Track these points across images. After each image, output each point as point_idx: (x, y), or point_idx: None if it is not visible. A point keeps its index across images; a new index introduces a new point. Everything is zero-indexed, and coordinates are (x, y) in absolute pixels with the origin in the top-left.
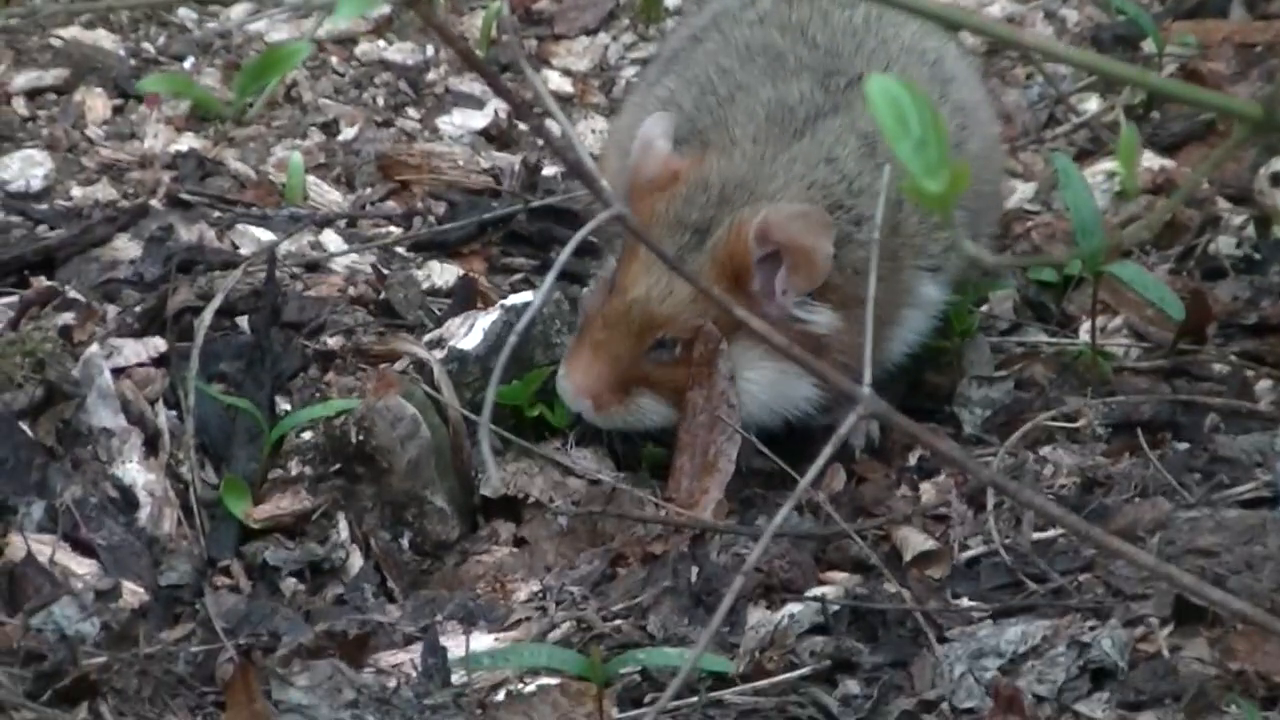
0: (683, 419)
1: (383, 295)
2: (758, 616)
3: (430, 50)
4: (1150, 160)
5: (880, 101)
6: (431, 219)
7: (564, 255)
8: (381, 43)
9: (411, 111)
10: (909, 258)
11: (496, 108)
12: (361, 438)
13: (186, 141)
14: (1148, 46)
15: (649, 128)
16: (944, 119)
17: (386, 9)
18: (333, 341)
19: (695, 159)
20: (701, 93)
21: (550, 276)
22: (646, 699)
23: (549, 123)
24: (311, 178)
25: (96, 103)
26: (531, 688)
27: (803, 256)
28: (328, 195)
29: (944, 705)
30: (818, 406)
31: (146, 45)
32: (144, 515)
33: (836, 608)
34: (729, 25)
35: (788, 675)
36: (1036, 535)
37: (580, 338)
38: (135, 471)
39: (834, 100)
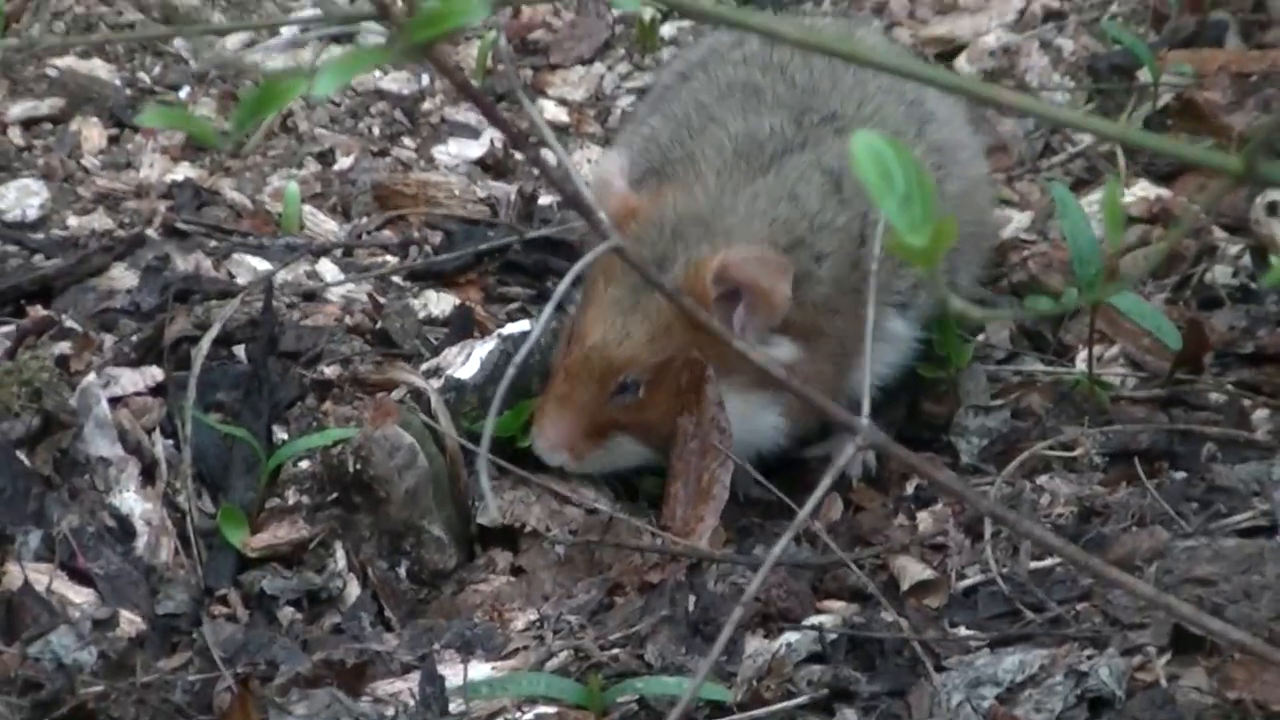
0: (674, 446)
1: (379, 324)
2: (755, 645)
3: (426, 80)
4: (1146, 189)
5: (864, 157)
6: (428, 248)
7: (562, 286)
8: (377, 72)
9: (407, 141)
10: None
11: (492, 137)
12: (359, 467)
13: (182, 171)
14: (1144, 76)
15: (604, 166)
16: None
17: (382, 38)
18: (330, 370)
19: (654, 196)
20: (678, 128)
21: (549, 306)
22: None
23: (545, 153)
24: (308, 207)
25: (92, 132)
26: (529, 716)
27: (761, 297)
28: (324, 225)
29: None
30: (787, 436)
31: (142, 75)
32: (141, 544)
33: (834, 637)
34: (715, 64)
35: (785, 704)
36: (1034, 564)
37: (547, 392)
38: (132, 500)
39: (804, 136)
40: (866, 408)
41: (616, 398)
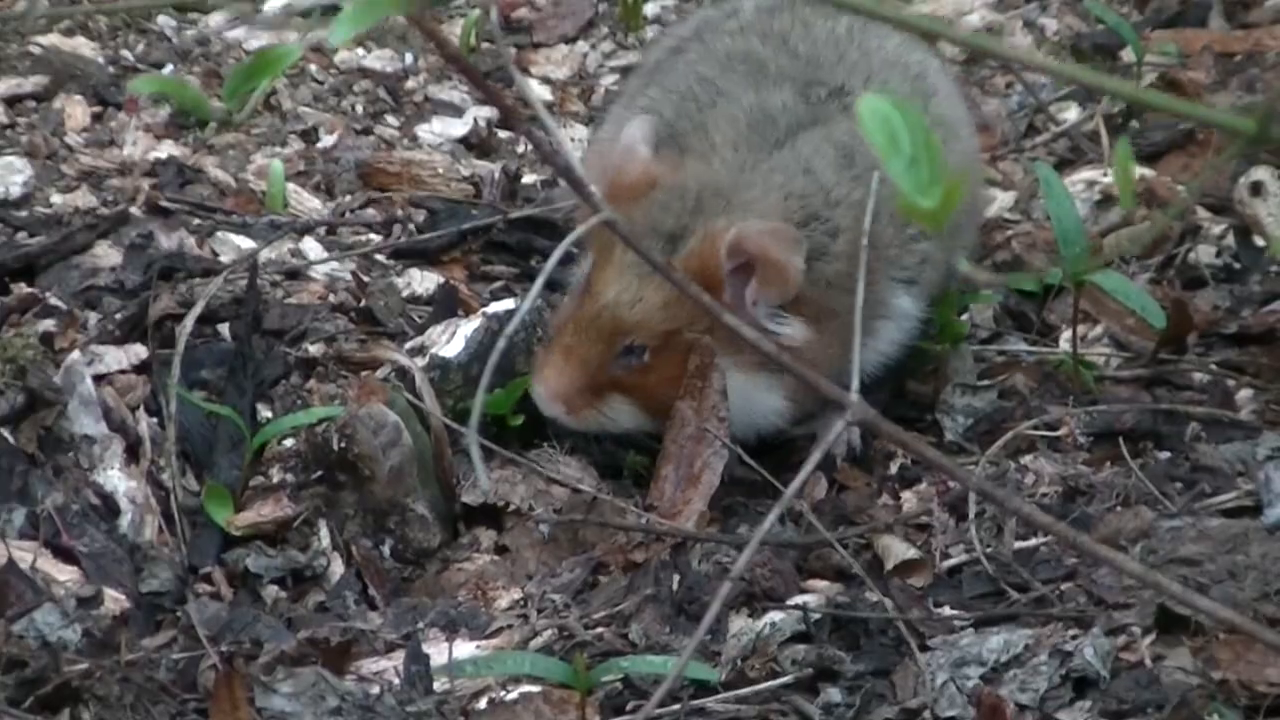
0: (670, 428)
1: (364, 303)
2: (739, 625)
3: (409, 58)
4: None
5: (871, 120)
6: (411, 227)
7: (551, 262)
8: (360, 50)
9: (391, 119)
10: (882, 268)
11: (476, 116)
12: (343, 445)
13: (166, 149)
14: (1128, 55)
15: (631, 132)
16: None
17: None
18: (314, 349)
19: (673, 166)
20: (682, 100)
21: (538, 283)
22: (629, 707)
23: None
24: (291, 185)
25: (76, 110)
26: (514, 695)
27: (775, 271)
28: (307, 203)
29: (926, 714)
30: (788, 419)
31: (126, 53)
32: (125, 522)
33: (818, 616)
34: (710, 35)
35: (770, 683)
36: (1018, 544)
37: (552, 343)
38: (117, 478)
39: (814, 112)
40: (856, 383)
41: (621, 359)
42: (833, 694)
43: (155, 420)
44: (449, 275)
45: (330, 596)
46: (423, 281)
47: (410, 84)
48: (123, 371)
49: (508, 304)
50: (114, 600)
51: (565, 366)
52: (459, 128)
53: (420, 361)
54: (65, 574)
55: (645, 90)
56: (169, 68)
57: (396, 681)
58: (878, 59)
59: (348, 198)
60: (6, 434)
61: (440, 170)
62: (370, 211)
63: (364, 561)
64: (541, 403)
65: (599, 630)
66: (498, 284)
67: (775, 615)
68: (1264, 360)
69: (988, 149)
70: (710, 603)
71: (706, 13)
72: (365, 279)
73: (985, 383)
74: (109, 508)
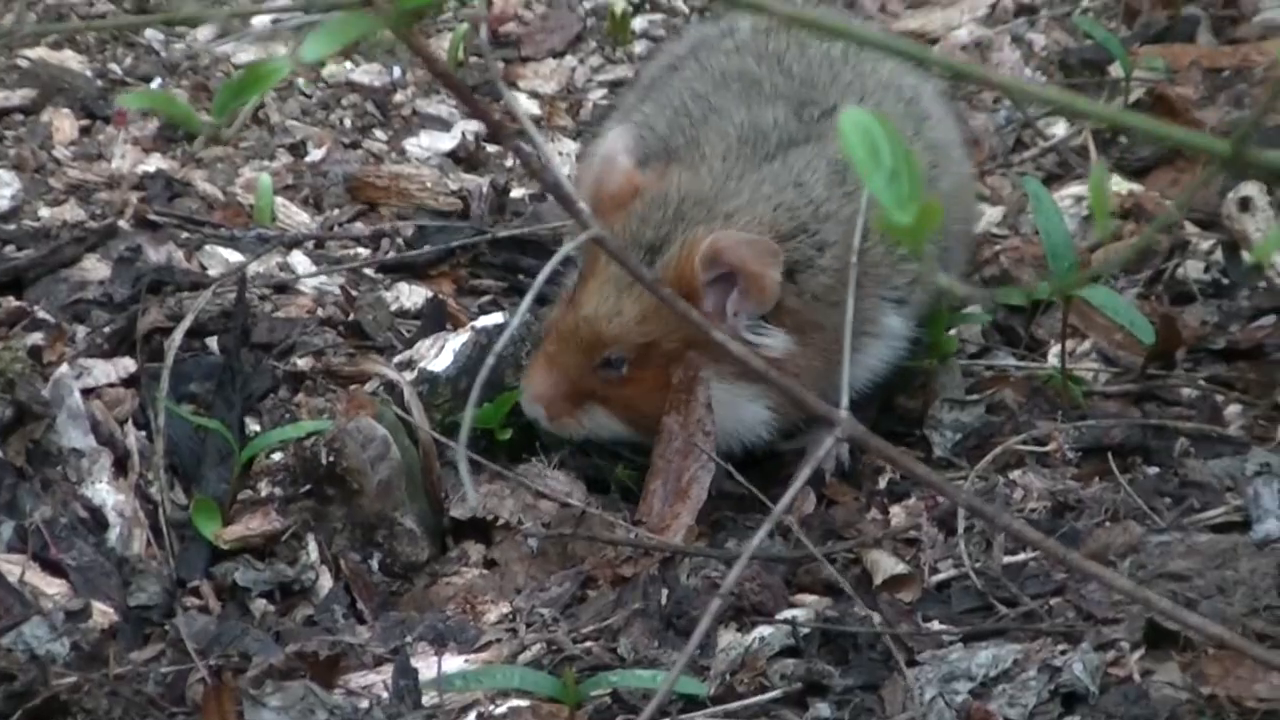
0: (658, 443)
1: (352, 316)
2: (728, 639)
3: (397, 72)
4: (1118, 185)
5: (852, 134)
6: (400, 241)
7: (541, 278)
8: (349, 64)
9: (379, 133)
10: (872, 287)
11: (464, 130)
12: (332, 459)
13: (154, 162)
14: (1116, 70)
15: (612, 143)
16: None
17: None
18: (302, 362)
19: (658, 174)
20: (676, 116)
21: (528, 298)
22: None
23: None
24: (279, 199)
25: (64, 123)
26: (502, 709)
27: (752, 282)
28: (296, 216)
29: None
30: (773, 430)
31: (114, 66)
32: (114, 536)
33: (807, 630)
34: (706, 54)
35: (759, 698)
36: (1007, 559)
37: (539, 348)
38: (105, 492)
39: (807, 130)
40: (845, 400)
41: (601, 370)
42: (821, 709)
43: (143, 433)
44: (437, 289)
45: (319, 610)
46: (411, 295)
47: (398, 98)
48: (111, 385)
49: (496, 318)
50: (102, 613)
51: (548, 372)
52: (447, 141)
53: (409, 375)
54: (54, 587)
55: (639, 106)
56: (157, 81)
57: (385, 695)
58: (872, 81)
59: (336, 211)
60: None
61: (428, 184)
62: (358, 225)
63: (352, 575)
64: (524, 403)
65: (588, 644)
66: (486, 298)
67: (764, 629)
68: (1252, 375)
69: (976, 164)
70: (699, 617)
71: (703, 30)
72: (354, 293)
73: (974, 398)
74: (97, 521)
